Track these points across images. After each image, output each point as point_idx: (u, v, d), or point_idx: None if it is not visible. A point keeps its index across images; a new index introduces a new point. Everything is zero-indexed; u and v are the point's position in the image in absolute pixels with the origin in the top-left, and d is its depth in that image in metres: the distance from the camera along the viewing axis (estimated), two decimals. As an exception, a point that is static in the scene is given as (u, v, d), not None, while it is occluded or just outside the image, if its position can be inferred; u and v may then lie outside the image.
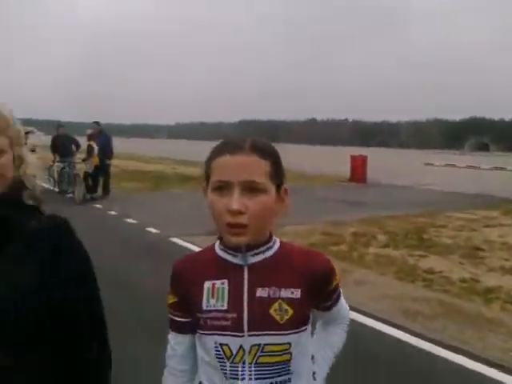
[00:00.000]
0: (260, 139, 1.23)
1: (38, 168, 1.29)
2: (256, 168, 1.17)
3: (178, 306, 1.31)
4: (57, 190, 14.58)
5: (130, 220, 10.46)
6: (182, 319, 1.31)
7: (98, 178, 14.00)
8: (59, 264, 1.19)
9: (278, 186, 1.22)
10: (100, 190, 14.09)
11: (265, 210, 1.18)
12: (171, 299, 1.32)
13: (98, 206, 12.41)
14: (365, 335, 4.43)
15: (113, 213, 11.29)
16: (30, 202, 1.23)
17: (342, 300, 1.42)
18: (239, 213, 1.14)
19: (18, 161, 1.23)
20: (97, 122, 14.27)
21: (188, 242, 8.23)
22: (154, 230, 9.43)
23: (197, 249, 7.36)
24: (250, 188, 1.15)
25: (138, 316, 4.75)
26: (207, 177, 1.22)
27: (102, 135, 14.00)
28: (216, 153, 1.21)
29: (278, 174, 1.22)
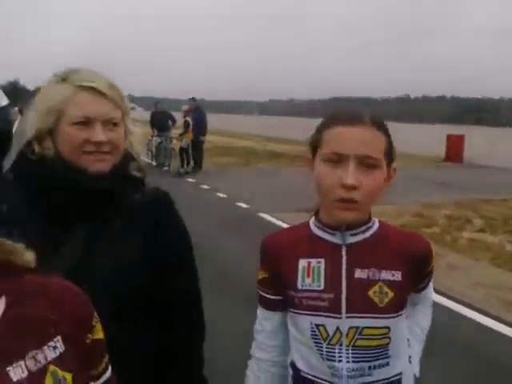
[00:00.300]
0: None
1: (141, 141, 1.33)
2: (375, 143, 1.12)
3: (268, 283, 1.28)
4: (154, 163, 15.28)
5: (220, 194, 10.75)
6: (272, 296, 1.28)
7: (192, 153, 14.49)
8: (160, 237, 1.24)
9: (389, 164, 1.17)
10: (193, 165, 14.58)
11: (377, 188, 1.13)
12: (261, 275, 1.30)
13: (190, 179, 12.86)
14: (460, 326, 4.24)
15: (204, 187, 11.65)
16: (136, 174, 1.27)
17: (431, 282, 1.37)
18: (353, 188, 1.09)
19: (127, 133, 1.26)
20: (193, 98, 14.71)
21: (277, 218, 8.30)
22: (243, 205, 9.62)
23: (285, 225, 7.49)
24: (367, 163, 1.10)
25: (226, 289, 4.89)
26: (314, 148, 1.18)
27: (197, 111, 14.45)
28: (330, 123, 1.15)
29: (391, 151, 1.17)
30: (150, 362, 1.24)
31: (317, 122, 1.24)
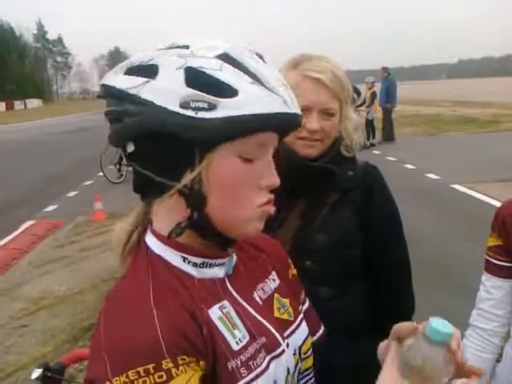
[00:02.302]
0: None
1: (357, 128, 1.36)
2: None
3: (501, 250, 1.28)
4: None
5: (408, 165, 10.37)
6: (505, 263, 1.27)
7: (383, 124, 14.18)
8: (372, 208, 1.30)
9: None
10: (379, 136, 14.27)
11: None
12: (493, 242, 1.30)
13: (376, 151, 12.63)
14: None
15: (391, 158, 11.34)
16: (347, 153, 1.33)
17: None
18: None
19: (342, 120, 1.31)
20: (385, 68, 14.32)
21: (473, 189, 7.72)
22: (433, 176, 9.15)
23: (484, 197, 6.94)
24: None
25: (420, 263, 4.73)
26: None
27: (385, 81, 14.06)
28: None
29: None
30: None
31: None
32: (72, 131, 24.60)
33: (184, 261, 0.76)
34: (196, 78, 0.67)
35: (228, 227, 0.74)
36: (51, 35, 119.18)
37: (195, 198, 0.72)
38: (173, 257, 0.76)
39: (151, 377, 0.63)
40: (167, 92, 0.68)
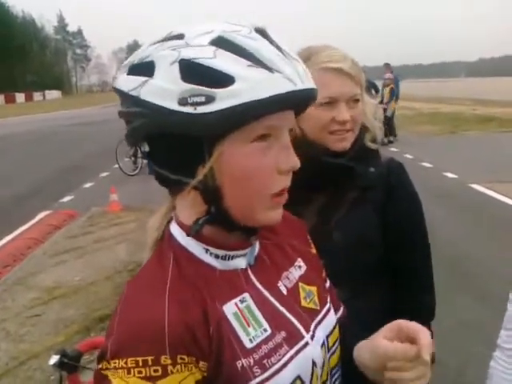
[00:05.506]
0: None
1: (374, 111, 1.33)
2: None
3: None
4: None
5: (425, 164, 10.24)
6: None
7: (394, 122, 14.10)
8: (394, 208, 1.25)
9: None
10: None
11: None
12: None
13: (393, 149, 12.50)
14: None
15: (408, 156, 11.21)
16: (371, 146, 1.29)
17: None
18: None
19: (362, 105, 1.28)
20: (387, 64, 14.26)
21: (492, 189, 7.59)
22: (451, 175, 9.03)
23: (502, 198, 6.82)
24: None
25: (439, 265, 4.66)
26: None
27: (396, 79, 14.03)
28: None
29: None
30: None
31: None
32: (90, 123, 24.81)
33: (206, 252, 0.76)
34: (191, 71, 0.66)
35: (247, 216, 0.73)
36: (71, 27, 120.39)
37: (211, 192, 0.71)
38: (196, 248, 0.76)
39: (147, 369, 0.64)
40: (164, 90, 0.67)
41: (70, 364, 1.53)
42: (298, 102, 0.70)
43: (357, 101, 1.22)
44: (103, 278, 4.78)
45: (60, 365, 1.51)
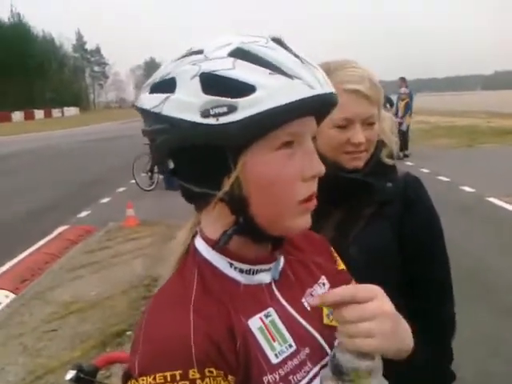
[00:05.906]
0: None
1: (391, 127, 1.32)
2: None
3: None
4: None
5: (442, 177, 10.15)
6: None
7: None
8: (412, 222, 1.24)
9: None
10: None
11: None
12: None
13: (409, 163, 12.42)
14: None
15: (424, 170, 11.12)
16: (388, 162, 1.28)
17: None
18: None
19: (380, 122, 1.27)
20: (403, 78, 14.26)
21: (509, 203, 7.52)
22: (468, 189, 8.93)
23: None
24: None
25: (458, 278, 4.59)
26: None
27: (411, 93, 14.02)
28: None
29: None
30: None
31: None
32: (107, 139, 25.11)
33: (231, 266, 0.76)
34: (211, 83, 0.66)
35: (275, 225, 0.73)
36: (89, 45, 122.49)
37: (237, 202, 0.71)
38: (220, 262, 0.76)
39: None
40: (186, 104, 0.67)
41: (86, 379, 1.51)
42: (318, 107, 0.70)
43: (373, 123, 1.21)
44: (119, 293, 4.80)
45: (76, 380, 1.50)
